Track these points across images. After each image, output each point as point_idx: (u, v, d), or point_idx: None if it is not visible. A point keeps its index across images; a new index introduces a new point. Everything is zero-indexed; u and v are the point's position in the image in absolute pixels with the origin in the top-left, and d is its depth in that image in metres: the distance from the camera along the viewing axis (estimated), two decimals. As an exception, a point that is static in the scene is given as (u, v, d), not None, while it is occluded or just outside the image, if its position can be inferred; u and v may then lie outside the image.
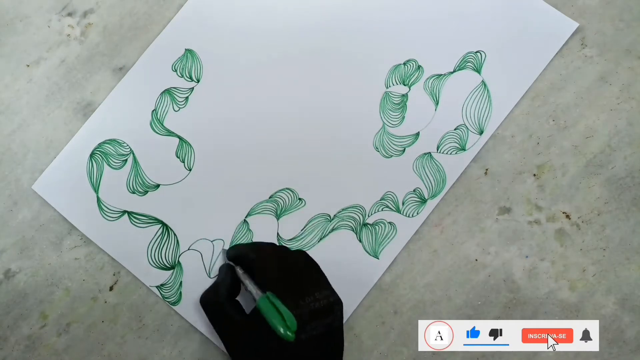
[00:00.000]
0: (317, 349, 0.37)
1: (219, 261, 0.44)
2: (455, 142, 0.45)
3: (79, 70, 0.47)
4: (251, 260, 0.39)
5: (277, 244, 0.44)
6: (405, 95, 0.46)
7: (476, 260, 0.44)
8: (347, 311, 0.43)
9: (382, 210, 0.44)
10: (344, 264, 0.44)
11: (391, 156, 0.45)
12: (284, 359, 0.36)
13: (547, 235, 0.44)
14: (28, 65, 0.47)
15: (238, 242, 0.44)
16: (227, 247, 0.44)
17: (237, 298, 0.41)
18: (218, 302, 0.39)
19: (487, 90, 0.46)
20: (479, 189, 0.45)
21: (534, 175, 0.45)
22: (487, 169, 0.45)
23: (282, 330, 0.35)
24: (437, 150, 0.45)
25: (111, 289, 0.44)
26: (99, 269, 0.44)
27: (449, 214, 0.44)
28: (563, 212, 0.44)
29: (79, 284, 0.44)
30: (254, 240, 0.44)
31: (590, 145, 0.45)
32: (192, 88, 0.46)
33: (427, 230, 0.44)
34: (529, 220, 0.44)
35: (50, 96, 0.47)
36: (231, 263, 0.42)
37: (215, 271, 0.44)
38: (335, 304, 0.38)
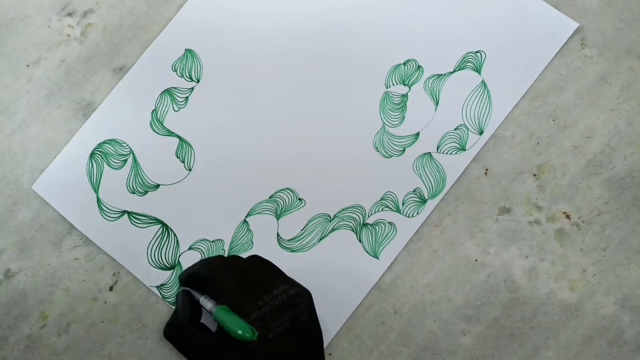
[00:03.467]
0: (289, 345, 0.36)
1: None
2: (455, 142, 0.45)
3: (79, 70, 0.47)
4: (203, 277, 0.39)
5: (226, 255, 0.43)
6: (405, 95, 0.46)
7: (476, 260, 0.44)
8: (347, 311, 0.43)
9: (382, 210, 0.44)
10: (344, 264, 0.44)
11: (391, 156, 0.45)
12: None
13: (547, 235, 0.44)
14: (28, 65, 0.47)
15: (237, 245, 0.44)
16: (226, 247, 0.44)
17: (205, 322, 0.40)
18: (180, 328, 0.39)
19: (487, 90, 0.46)
20: (479, 189, 0.45)
21: (534, 175, 0.45)
22: (487, 169, 0.45)
23: (240, 332, 0.34)
24: (437, 150, 0.45)
25: (111, 289, 0.44)
26: (99, 269, 0.45)
27: (449, 214, 0.45)
28: (563, 212, 0.44)
29: (79, 284, 0.44)
30: (254, 240, 0.44)
31: (590, 145, 0.45)
32: (192, 88, 0.46)
33: (427, 230, 0.44)
34: (529, 220, 0.44)
35: (50, 96, 0.47)
36: (185, 288, 0.42)
37: (215, 271, 0.44)
38: (296, 296, 0.37)
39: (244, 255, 0.44)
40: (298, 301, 0.37)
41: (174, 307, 0.43)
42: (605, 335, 0.43)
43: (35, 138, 0.46)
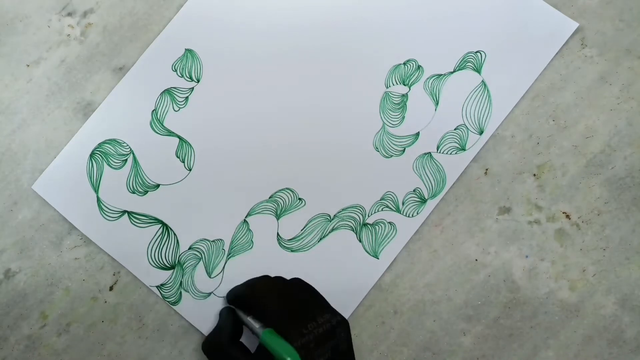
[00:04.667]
0: None
1: (222, 303, 0.44)
2: (455, 142, 0.45)
3: (79, 70, 0.47)
4: (249, 298, 0.39)
5: (271, 276, 0.43)
6: (405, 95, 0.46)
7: (476, 260, 0.44)
8: (347, 311, 0.43)
9: (382, 210, 0.44)
10: (344, 264, 0.44)
11: (391, 156, 0.45)
12: None
13: (547, 235, 0.44)
14: (28, 65, 0.47)
15: (237, 245, 0.44)
16: (226, 247, 0.44)
17: (242, 340, 0.40)
18: (221, 345, 0.39)
19: (487, 90, 0.46)
20: (479, 189, 0.45)
21: (534, 175, 0.45)
22: (487, 169, 0.45)
23: (289, 359, 0.34)
24: (437, 150, 0.45)
25: (111, 289, 0.44)
26: (99, 269, 0.45)
27: (449, 214, 0.45)
28: (563, 212, 0.44)
29: (79, 284, 0.44)
30: (254, 240, 0.44)
31: (590, 145, 0.45)
32: (192, 88, 0.46)
33: (427, 230, 0.44)
34: (529, 220, 0.44)
35: (50, 96, 0.47)
36: (231, 306, 0.42)
37: (216, 271, 0.44)
38: (337, 326, 0.37)
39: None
40: (338, 330, 0.37)
41: (174, 307, 0.44)
42: (605, 335, 0.43)
43: (35, 138, 0.46)
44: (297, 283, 0.41)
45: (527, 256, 0.44)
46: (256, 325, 0.38)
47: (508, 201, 0.44)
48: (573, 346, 0.43)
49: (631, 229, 0.44)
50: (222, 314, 0.42)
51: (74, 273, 0.45)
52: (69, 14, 0.48)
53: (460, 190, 0.45)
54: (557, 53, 0.46)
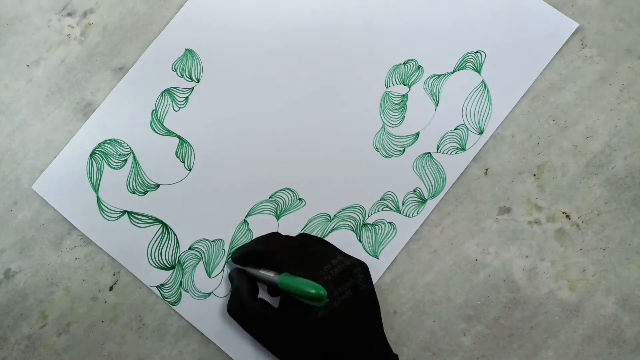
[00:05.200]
0: (353, 314, 0.37)
1: (226, 269, 0.44)
2: (455, 142, 0.45)
3: (79, 70, 0.47)
4: (259, 254, 0.40)
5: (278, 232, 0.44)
6: (405, 95, 0.46)
7: (476, 260, 0.44)
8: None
9: (382, 210, 0.44)
10: (344, 264, 0.44)
11: (391, 156, 0.45)
12: (326, 333, 0.36)
13: (547, 235, 0.44)
14: (28, 65, 0.47)
15: (237, 245, 0.44)
16: (226, 247, 0.44)
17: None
18: (244, 304, 0.39)
19: (487, 90, 0.46)
20: (479, 189, 0.45)
21: (534, 175, 0.45)
22: (487, 169, 0.45)
23: (313, 290, 0.33)
24: (437, 150, 0.45)
25: (111, 289, 0.44)
26: (99, 269, 0.45)
27: (449, 214, 0.45)
28: (563, 212, 0.44)
29: (79, 284, 0.44)
30: (254, 240, 0.44)
31: (590, 145, 0.45)
32: (192, 88, 0.46)
33: (427, 230, 0.44)
34: (529, 220, 0.44)
35: (50, 96, 0.47)
36: (240, 267, 0.42)
37: (216, 271, 0.44)
38: (353, 266, 0.38)
39: None
40: (355, 271, 0.38)
41: (173, 307, 0.44)
42: (605, 335, 0.43)
43: (35, 138, 0.46)
44: (306, 235, 0.43)
45: (527, 256, 0.44)
46: (271, 274, 0.38)
47: (508, 201, 0.44)
48: (573, 346, 0.43)
49: (631, 229, 0.44)
50: (233, 275, 0.42)
51: (74, 273, 0.45)
52: (69, 14, 0.48)
53: (460, 190, 0.45)
54: (557, 53, 0.46)
